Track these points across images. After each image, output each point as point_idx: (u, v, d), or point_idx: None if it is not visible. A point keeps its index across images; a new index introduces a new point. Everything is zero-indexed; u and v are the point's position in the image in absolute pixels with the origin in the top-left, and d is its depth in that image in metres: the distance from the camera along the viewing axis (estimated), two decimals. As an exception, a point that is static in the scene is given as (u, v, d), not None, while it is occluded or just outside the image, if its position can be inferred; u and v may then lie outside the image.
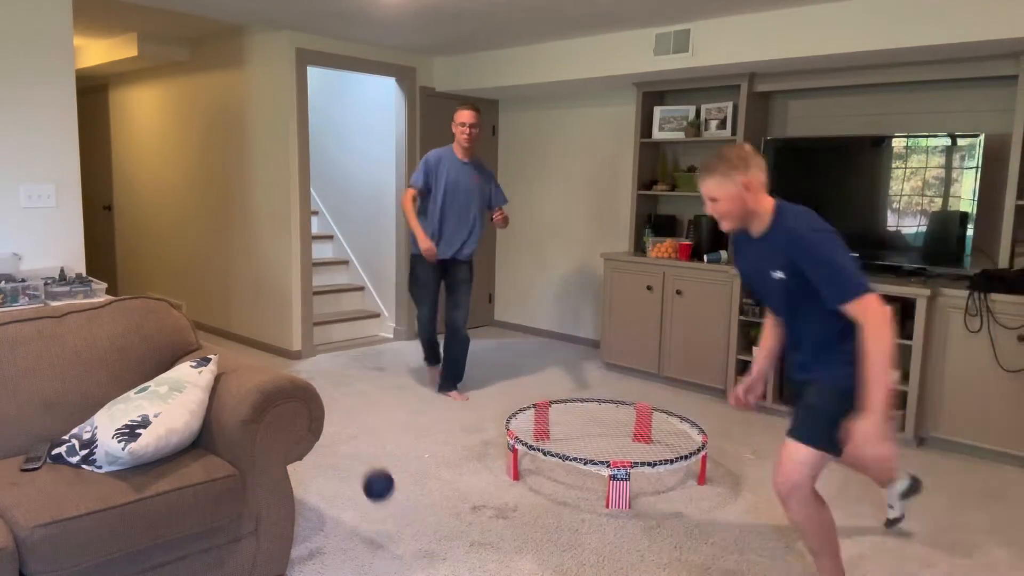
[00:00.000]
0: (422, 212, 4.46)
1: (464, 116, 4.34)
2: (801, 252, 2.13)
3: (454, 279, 4.50)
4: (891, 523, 2.92)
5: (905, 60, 4.06)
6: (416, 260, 4.50)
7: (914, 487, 2.84)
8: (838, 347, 2.21)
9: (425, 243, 4.34)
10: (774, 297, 2.32)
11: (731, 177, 2.17)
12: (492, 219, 4.48)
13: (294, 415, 2.36)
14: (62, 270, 3.52)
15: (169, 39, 5.96)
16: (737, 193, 2.18)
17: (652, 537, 2.87)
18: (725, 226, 2.26)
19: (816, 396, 2.25)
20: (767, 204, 2.23)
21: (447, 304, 4.54)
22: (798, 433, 2.23)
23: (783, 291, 2.25)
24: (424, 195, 4.46)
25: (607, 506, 3.11)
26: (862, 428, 2.05)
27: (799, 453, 2.20)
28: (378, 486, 2.37)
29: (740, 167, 2.16)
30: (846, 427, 2.12)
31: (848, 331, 2.18)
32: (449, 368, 4.60)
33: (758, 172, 2.19)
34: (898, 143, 4.07)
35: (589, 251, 6.01)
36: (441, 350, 4.69)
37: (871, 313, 2.05)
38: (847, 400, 2.18)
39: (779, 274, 2.22)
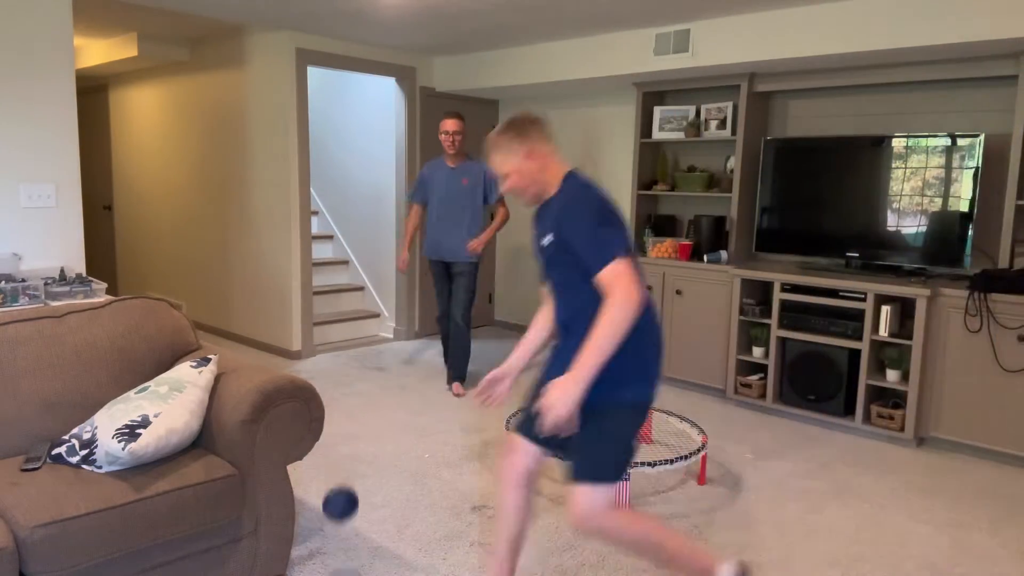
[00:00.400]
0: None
1: (447, 125, 4.58)
2: (566, 213, 1.98)
3: (454, 275, 4.70)
4: None
5: (905, 60, 4.06)
6: (430, 262, 4.79)
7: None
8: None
9: (400, 255, 4.88)
10: (547, 268, 2.13)
11: (512, 150, 2.05)
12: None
13: (294, 415, 2.36)
14: (62, 270, 3.52)
15: (169, 39, 5.96)
16: (522, 165, 2.04)
17: (652, 537, 2.86)
18: (525, 202, 2.12)
19: (592, 423, 1.99)
20: (557, 172, 2.07)
21: (450, 301, 4.75)
22: (581, 473, 1.98)
23: (549, 258, 2.09)
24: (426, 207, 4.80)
25: (607, 506, 3.11)
26: (557, 385, 1.88)
27: (589, 493, 1.97)
28: (337, 506, 2.19)
29: (519, 137, 2.04)
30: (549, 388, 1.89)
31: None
32: (452, 361, 4.75)
33: (540, 140, 2.05)
34: (898, 143, 4.07)
35: (589, 251, 6.00)
36: None
37: (620, 284, 1.85)
38: (627, 413, 1.98)
39: (548, 238, 2.06)
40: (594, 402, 1.96)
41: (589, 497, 1.96)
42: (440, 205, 4.65)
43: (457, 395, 4.66)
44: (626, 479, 3.08)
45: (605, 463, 1.98)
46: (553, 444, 2.15)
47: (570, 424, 1.94)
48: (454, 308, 4.67)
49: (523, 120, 2.07)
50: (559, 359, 2.12)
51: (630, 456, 2.03)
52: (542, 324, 2.26)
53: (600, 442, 1.98)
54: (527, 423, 2.19)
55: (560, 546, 2.78)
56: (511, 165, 2.06)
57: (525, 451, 2.18)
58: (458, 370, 4.72)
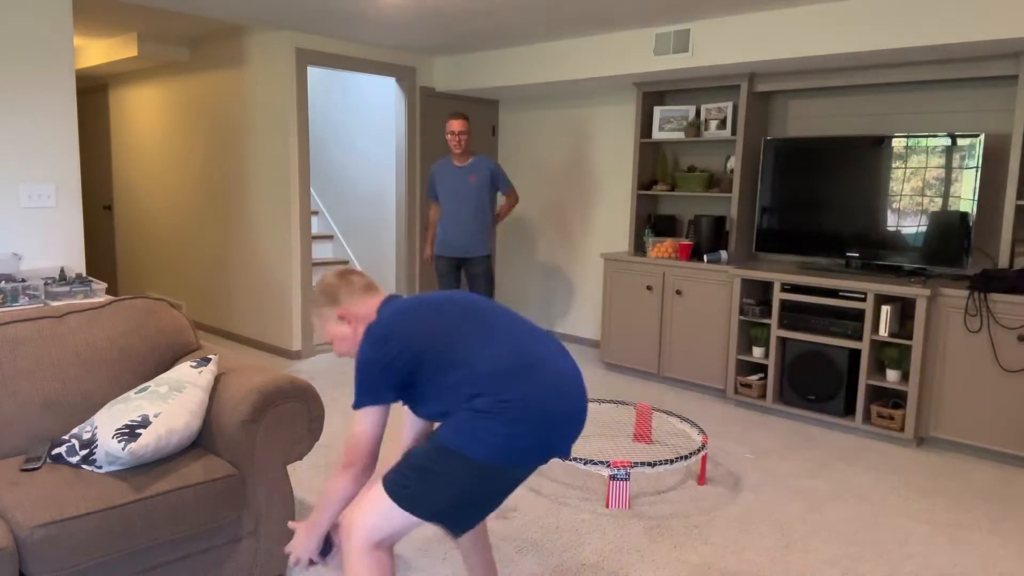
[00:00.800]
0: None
1: (453, 125, 4.69)
2: None
3: (470, 274, 4.85)
4: None
5: (905, 60, 4.06)
6: (436, 258, 4.92)
7: None
8: (461, 409, 1.81)
9: (425, 250, 5.00)
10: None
11: (326, 316, 2.07)
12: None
13: (294, 415, 2.36)
14: (62, 270, 3.52)
15: (169, 39, 5.96)
16: (338, 329, 2.06)
17: (652, 537, 2.87)
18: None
19: (427, 449, 1.86)
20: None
21: None
22: (386, 477, 1.86)
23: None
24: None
25: (607, 506, 3.12)
26: (299, 529, 1.99)
27: (375, 501, 1.84)
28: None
29: (330, 303, 2.05)
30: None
31: (466, 396, 1.81)
32: None
33: (349, 298, 2.04)
34: (898, 143, 4.08)
35: (589, 251, 6.01)
36: None
37: (347, 441, 1.92)
38: (454, 460, 1.77)
39: None
40: (438, 434, 1.85)
41: (374, 505, 1.82)
42: (450, 204, 4.79)
43: None
44: (625, 479, 3.08)
45: (406, 486, 1.81)
46: None
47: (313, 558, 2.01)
48: None
49: (329, 285, 2.07)
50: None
51: (442, 509, 1.79)
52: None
53: (417, 467, 1.82)
54: None
55: (560, 546, 2.78)
56: (333, 332, 2.07)
57: None
58: None
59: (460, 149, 4.71)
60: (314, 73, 6.63)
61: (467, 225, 4.77)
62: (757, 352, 4.47)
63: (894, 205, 4.12)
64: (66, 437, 2.22)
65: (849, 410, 4.13)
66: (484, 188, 4.78)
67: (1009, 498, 3.31)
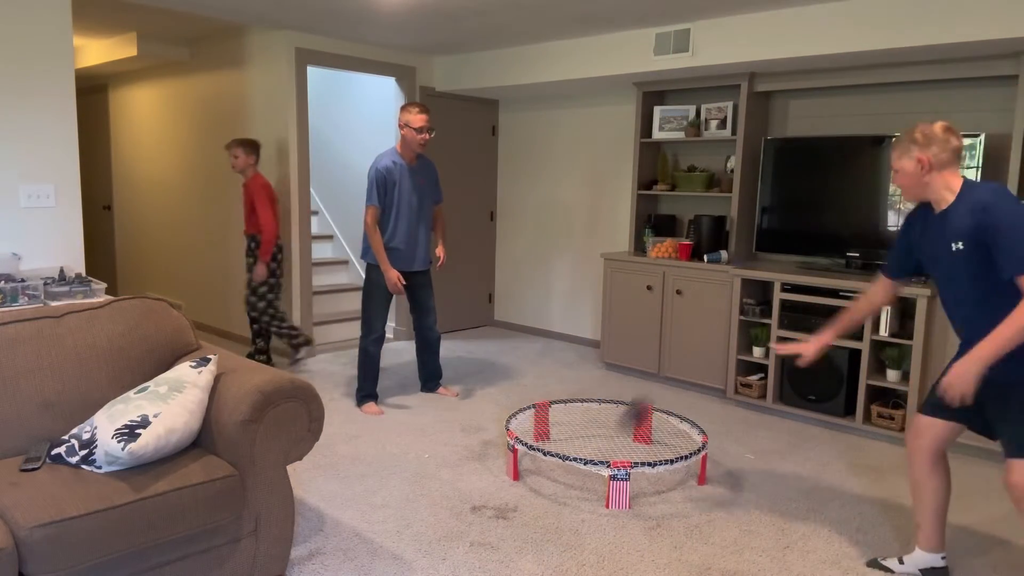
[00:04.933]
0: (379, 228, 4.19)
1: (424, 118, 4.09)
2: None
3: (420, 285, 4.38)
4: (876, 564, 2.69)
5: (905, 60, 4.06)
6: (374, 269, 4.22)
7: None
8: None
9: (392, 279, 4.11)
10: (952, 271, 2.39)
11: (906, 151, 2.33)
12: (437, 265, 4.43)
13: (294, 415, 2.36)
14: (62, 270, 3.51)
15: (169, 39, 5.96)
16: (906, 165, 2.34)
17: (652, 537, 2.87)
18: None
19: (1016, 401, 2.23)
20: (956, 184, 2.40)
21: (418, 312, 4.41)
22: (1017, 450, 2.20)
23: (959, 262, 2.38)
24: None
25: (607, 506, 3.11)
26: (958, 364, 2.16)
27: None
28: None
29: (921, 146, 2.31)
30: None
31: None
32: (432, 369, 4.63)
33: (940, 152, 2.33)
34: (898, 143, 4.07)
35: (589, 251, 6.01)
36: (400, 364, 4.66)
37: None
38: None
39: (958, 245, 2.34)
40: (1013, 381, 2.19)
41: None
42: (406, 211, 4.18)
43: (456, 395, 4.64)
44: (625, 479, 3.08)
45: None
46: (963, 417, 2.40)
47: (967, 398, 2.18)
48: (429, 319, 4.41)
49: (932, 135, 2.32)
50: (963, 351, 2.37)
51: None
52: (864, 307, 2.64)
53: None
54: (933, 403, 2.47)
55: (560, 546, 2.78)
56: (901, 165, 2.36)
57: (931, 431, 2.46)
58: (440, 372, 4.65)
59: (424, 149, 4.20)
60: (314, 73, 6.63)
61: (421, 234, 4.26)
62: (757, 352, 4.47)
63: (894, 205, 4.12)
64: (66, 437, 2.22)
65: (849, 410, 4.13)
66: (433, 191, 4.33)
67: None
